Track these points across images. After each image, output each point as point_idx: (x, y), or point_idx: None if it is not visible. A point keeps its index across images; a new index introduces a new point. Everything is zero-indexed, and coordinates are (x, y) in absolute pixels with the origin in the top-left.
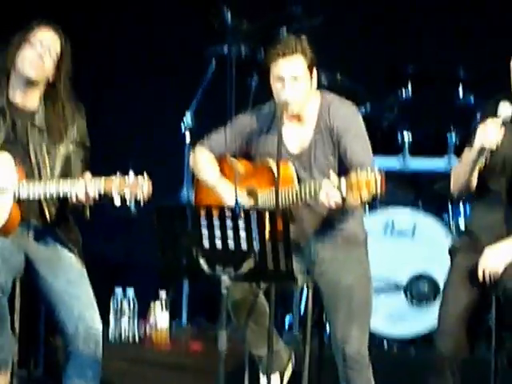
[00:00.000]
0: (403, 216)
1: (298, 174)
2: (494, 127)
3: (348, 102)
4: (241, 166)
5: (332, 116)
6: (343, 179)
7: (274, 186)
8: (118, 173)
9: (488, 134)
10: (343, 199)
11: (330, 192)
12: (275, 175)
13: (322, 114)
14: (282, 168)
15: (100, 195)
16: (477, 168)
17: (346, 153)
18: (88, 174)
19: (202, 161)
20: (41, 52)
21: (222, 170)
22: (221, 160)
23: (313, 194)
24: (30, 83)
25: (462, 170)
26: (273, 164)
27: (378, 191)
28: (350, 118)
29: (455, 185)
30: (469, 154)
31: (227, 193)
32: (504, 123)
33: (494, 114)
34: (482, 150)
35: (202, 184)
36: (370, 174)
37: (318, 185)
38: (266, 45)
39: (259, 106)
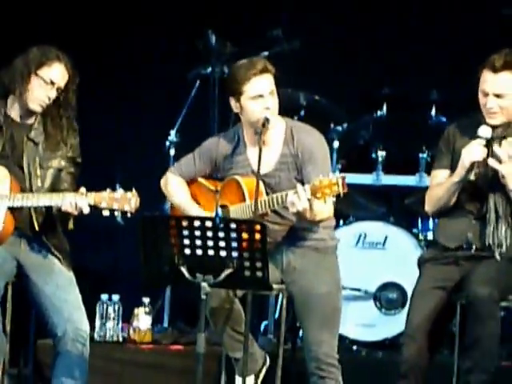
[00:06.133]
0: (375, 229)
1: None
2: (478, 145)
3: (312, 128)
4: (211, 185)
5: (297, 143)
6: (307, 185)
7: (243, 201)
8: (107, 189)
9: (474, 150)
10: (310, 203)
11: (298, 193)
12: (243, 190)
13: (287, 139)
14: (250, 182)
15: (90, 208)
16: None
17: (309, 174)
18: (82, 189)
19: (173, 185)
20: (50, 93)
21: (192, 193)
22: (191, 183)
23: (282, 199)
24: (31, 111)
25: (442, 191)
26: (241, 179)
27: (341, 191)
28: (315, 146)
29: (434, 206)
30: (445, 175)
31: (199, 213)
32: (486, 144)
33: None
34: (471, 166)
35: (175, 209)
36: (332, 178)
37: (286, 193)
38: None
39: (224, 132)
